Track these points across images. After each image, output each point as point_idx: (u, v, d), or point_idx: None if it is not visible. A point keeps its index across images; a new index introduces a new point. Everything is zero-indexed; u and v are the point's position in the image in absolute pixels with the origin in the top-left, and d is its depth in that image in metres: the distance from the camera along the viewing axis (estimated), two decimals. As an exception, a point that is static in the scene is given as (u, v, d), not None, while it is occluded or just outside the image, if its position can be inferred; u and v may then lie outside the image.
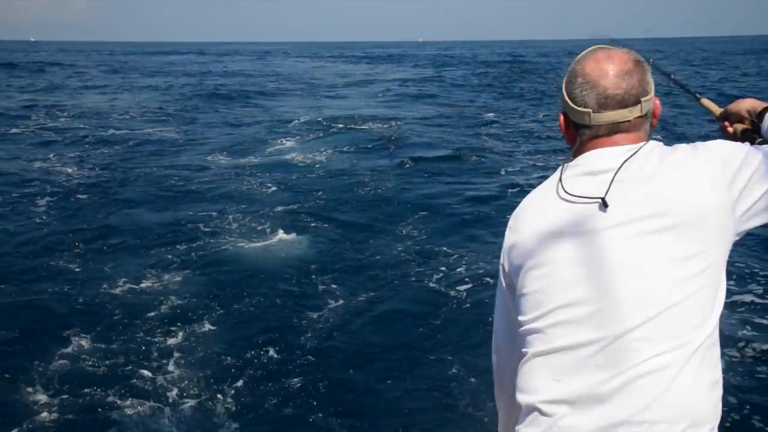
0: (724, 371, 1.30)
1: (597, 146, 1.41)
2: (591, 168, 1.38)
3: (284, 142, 13.12)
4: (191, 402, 4.01)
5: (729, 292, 1.33)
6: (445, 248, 6.61)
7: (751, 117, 1.61)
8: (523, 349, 1.37)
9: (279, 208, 8.05)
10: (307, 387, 4.16)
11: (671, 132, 12.36)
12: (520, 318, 1.38)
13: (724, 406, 1.30)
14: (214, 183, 9.47)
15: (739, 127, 1.63)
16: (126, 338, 4.75)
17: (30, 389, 4.09)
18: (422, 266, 6.10)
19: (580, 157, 1.44)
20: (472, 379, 4.14)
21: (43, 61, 42.55)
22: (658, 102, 1.44)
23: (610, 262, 1.28)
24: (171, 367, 4.38)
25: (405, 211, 7.94)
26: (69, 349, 4.59)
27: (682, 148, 1.38)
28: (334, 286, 5.70)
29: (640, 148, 1.36)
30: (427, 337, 4.79)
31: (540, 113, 17.43)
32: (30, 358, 4.45)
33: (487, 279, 5.68)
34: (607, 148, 1.39)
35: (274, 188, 9.19)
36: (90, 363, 4.42)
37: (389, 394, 4.09)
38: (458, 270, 5.97)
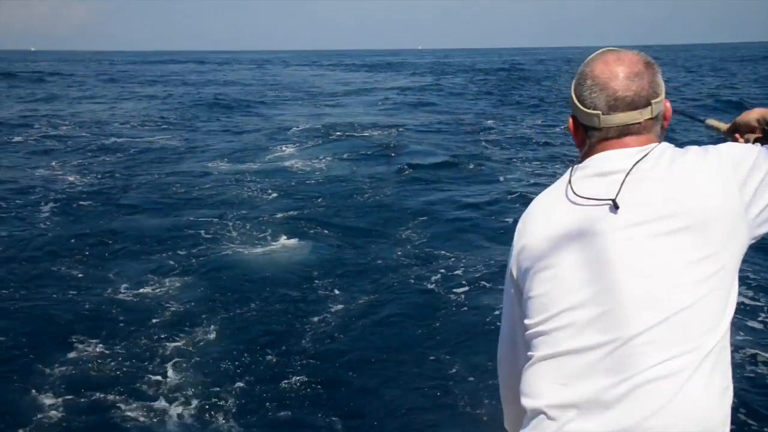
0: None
1: (607, 148, 1.39)
2: (601, 169, 1.36)
3: (284, 149, 13.21)
4: (194, 405, 4.04)
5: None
6: (443, 252, 6.68)
7: (762, 125, 1.57)
8: (529, 353, 1.34)
9: (279, 214, 8.13)
10: (309, 389, 4.21)
11: (672, 141, 12.43)
12: (526, 321, 1.36)
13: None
14: (215, 189, 9.56)
15: (751, 136, 1.60)
16: (129, 342, 4.80)
17: (35, 392, 4.14)
18: (421, 271, 6.16)
19: (589, 159, 1.41)
20: (471, 378, 4.21)
21: (43, 71, 42.70)
22: (668, 104, 1.42)
23: (617, 264, 1.26)
24: (174, 371, 4.42)
25: (404, 217, 8.01)
26: (73, 354, 4.64)
27: (693, 150, 1.36)
28: (335, 291, 5.76)
29: (652, 149, 1.34)
30: (427, 339, 4.84)
31: (538, 120, 17.54)
32: (35, 362, 4.50)
33: (484, 283, 5.76)
34: (618, 149, 1.37)
35: (274, 194, 9.27)
36: (94, 367, 4.47)
37: (390, 395, 4.15)
38: (457, 273, 6.04)
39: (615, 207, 1.29)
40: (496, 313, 5.11)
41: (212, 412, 3.98)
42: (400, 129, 15.44)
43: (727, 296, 1.26)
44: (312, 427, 3.86)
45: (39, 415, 3.91)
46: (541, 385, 1.29)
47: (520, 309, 1.41)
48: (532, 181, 9.78)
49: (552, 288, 1.32)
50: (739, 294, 5.27)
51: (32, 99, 23.80)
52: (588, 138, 1.42)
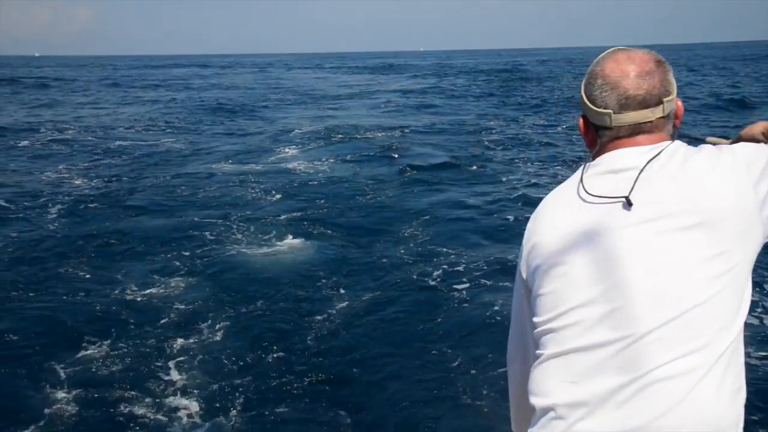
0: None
1: (618, 147, 1.37)
2: (613, 166, 1.35)
3: (288, 151, 13.33)
4: (202, 402, 4.10)
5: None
6: (445, 250, 6.75)
7: (767, 138, 1.54)
8: (538, 351, 1.33)
9: (283, 215, 8.22)
10: (315, 385, 4.28)
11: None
12: (535, 320, 1.35)
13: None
14: (220, 191, 9.66)
15: None
16: (137, 342, 4.87)
17: (46, 389, 4.21)
18: (423, 269, 6.23)
19: (600, 157, 1.40)
20: (473, 371, 4.30)
21: (47, 76, 42.93)
22: (680, 103, 1.41)
23: (627, 261, 1.24)
24: (181, 369, 4.48)
25: (406, 217, 8.09)
26: (82, 353, 4.71)
27: (706, 148, 1.35)
28: (339, 289, 5.84)
29: (664, 148, 1.33)
30: (429, 334, 4.92)
31: (540, 120, 17.61)
32: (45, 360, 4.58)
33: (485, 280, 5.85)
34: (630, 148, 1.36)
35: (278, 196, 9.38)
36: (102, 365, 4.53)
37: (394, 388, 4.22)
38: (458, 270, 6.12)
39: (628, 204, 1.28)
40: (497, 308, 5.21)
41: (220, 408, 4.03)
42: (403, 131, 15.53)
43: (741, 295, 1.24)
44: (318, 420, 3.92)
45: (50, 412, 3.97)
46: (550, 384, 1.27)
47: (530, 308, 1.40)
48: (533, 182, 9.82)
49: (561, 285, 1.31)
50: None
51: (37, 104, 23.96)
52: (599, 138, 1.41)
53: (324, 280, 6.05)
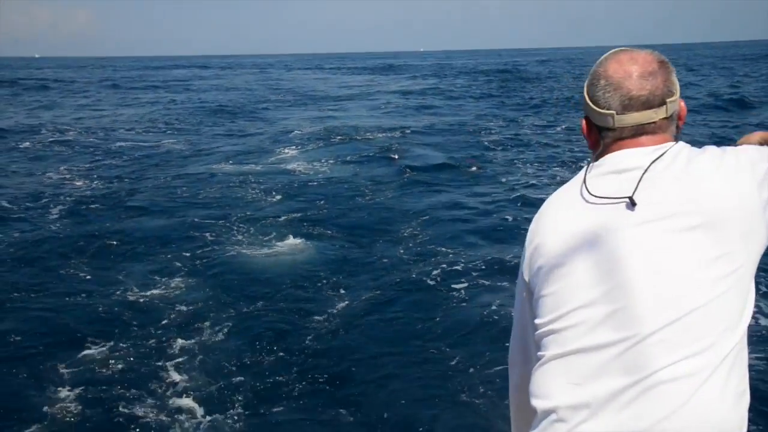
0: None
1: (622, 148, 1.36)
2: (617, 166, 1.34)
3: (288, 152, 13.36)
4: (203, 401, 4.12)
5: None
6: (444, 250, 6.79)
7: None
8: (539, 353, 1.31)
9: (283, 216, 8.26)
10: (315, 384, 4.31)
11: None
12: (537, 321, 1.33)
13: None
14: (220, 192, 9.69)
15: None
16: (138, 342, 4.89)
17: (48, 390, 4.24)
18: (423, 269, 6.26)
19: (604, 157, 1.39)
20: (471, 370, 4.34)
21: (47, 77, 42.97)
22: (683, 104, 1.40)
23: (630, 262, 1.23)
24: (182, 369, 4.50)
25: (405, 217, 8.13)
26: (84, 353, 4.74)
27: (710, 149, 1.34)
28: (339, 289, 5.87)
29: (668, 149, 1.32)
30: (428, 333, 4.95)
31: (539, 121, 17.64)
32: (47, 360, 4.60)
33: (484, 280, 5.89)
34: (633, 148, 1.35)
35: (278, 196, 9.41)
36: (104, 365, 4.56)
37: (393, 387, 4.25)
38: (457, 270, 6.15)
39: (632, 204, 1.27)
40: (495, 308, 5.25)
41: (221, 408, 4.05)
42: (402, 132, 15.55)
43: (745, 296, 1.23)
44: (318, 420, 3.95)
45: (52, 412, 3.99)
46: (551, 386, 1.26)
47: (531, 310, 1.39)
48: (532, 182, 9.85)
49: (564, 286, 1.30)
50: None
51: (37, 106, 23.99)
52: (602, 139, 1.40)
53: (324, 281, 6.08)
